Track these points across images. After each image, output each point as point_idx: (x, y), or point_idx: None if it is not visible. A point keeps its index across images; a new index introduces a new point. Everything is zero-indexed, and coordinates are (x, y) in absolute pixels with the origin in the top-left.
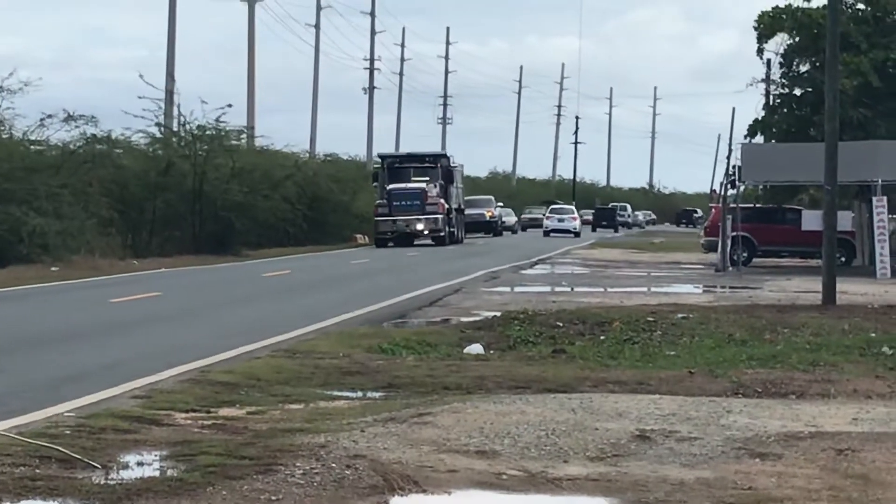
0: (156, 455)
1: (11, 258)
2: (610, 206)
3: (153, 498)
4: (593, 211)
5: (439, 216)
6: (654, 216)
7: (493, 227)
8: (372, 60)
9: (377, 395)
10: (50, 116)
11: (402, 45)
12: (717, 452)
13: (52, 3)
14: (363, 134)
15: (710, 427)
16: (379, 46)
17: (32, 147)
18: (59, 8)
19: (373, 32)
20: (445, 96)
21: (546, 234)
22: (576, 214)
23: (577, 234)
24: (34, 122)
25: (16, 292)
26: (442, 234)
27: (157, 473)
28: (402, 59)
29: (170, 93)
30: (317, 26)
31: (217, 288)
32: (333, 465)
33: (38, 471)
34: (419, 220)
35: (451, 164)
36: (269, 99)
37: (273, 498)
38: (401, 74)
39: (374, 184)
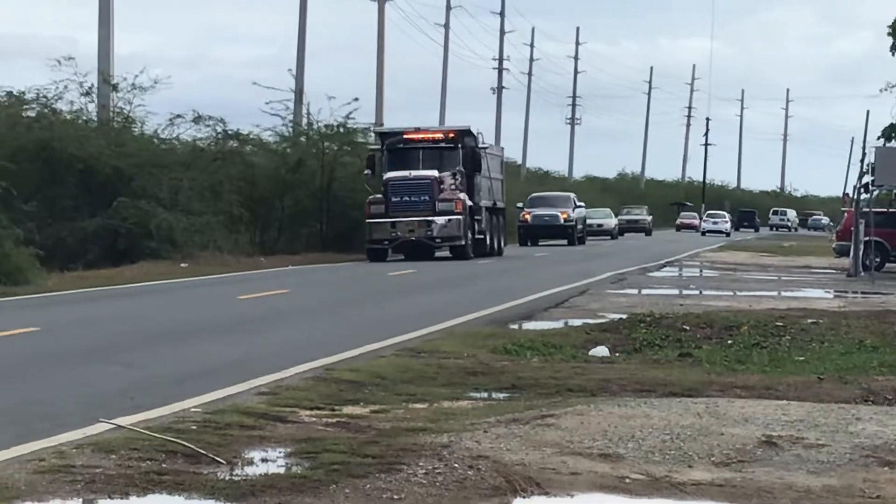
0: (280, 452)
1: (141, 254)
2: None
3: (277, 494)
4: (735, 213)
5: (457, 217)
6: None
7: (568, 233)
8: (501, 60)
9: (501, 395)
10: (179, 116)
11: (532, 45)
12: (845, 460)
13: (182, 1)
14: (491, 133)
15: (838, 434)
16: (508, 46)
17: (163, 145)
18: (189, 6)
19: (502, 32)
20: (574, 96)
21: (702, 234)
22: (727, 218)
23: (727, 235)
24: (164, 120)
25: (146, 287)
26: (461, 242)
27: (281, 470)
28: (531, 59)
29: (299, 91)
30: (446, 26)
31: (343, 286)
32: (456, 465)
33: (164, 465)
34: (428, 222)
35: (479, 145)
36: (396, 98)
37: (395, 497)
38: (529, 74)
39: (367, 172)
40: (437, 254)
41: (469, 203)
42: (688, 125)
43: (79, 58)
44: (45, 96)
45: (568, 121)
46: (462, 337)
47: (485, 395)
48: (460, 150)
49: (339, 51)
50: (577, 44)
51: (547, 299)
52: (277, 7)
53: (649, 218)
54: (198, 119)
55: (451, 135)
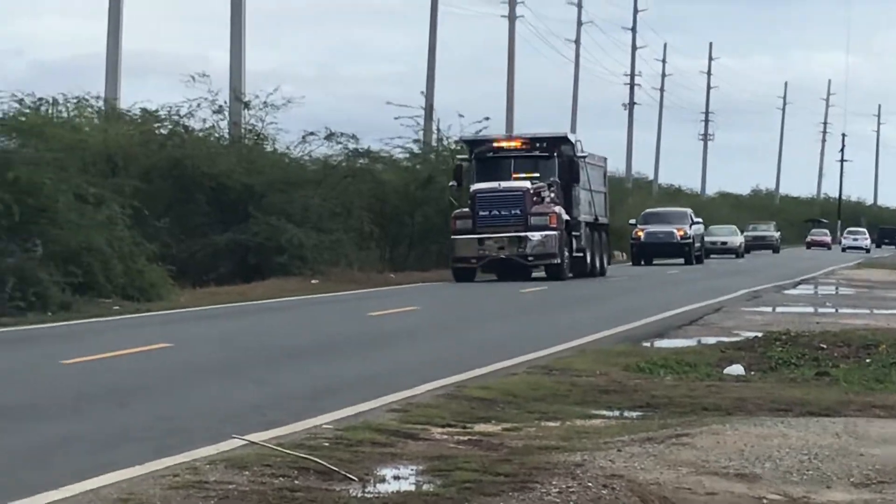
0: (412, 469)
1: (272, 269)
2: None
3: None
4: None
5: (552, 233)
6: None
7: (684, 252)
8: (632, 76)
9: (634, 414)
10: (312, 133)
11: (664, 61)
12: None
13: (313, 19)
14: (622, 150)
15: None
16: (640, 62)
17: (295, 162)
18: (320, 24)
19: (634, 48)
20: (707, 112)
21: (843, 250)
22: (867, 234)
23: (867, 251)
24: (297, 138)
25: (278, 303)
26: (556, 261)
27: (412, 488)
28: (664, 75)
29: (429, 108)
30: (577, 42)
31: (473, 303)
32: (590, 484)
33: (296, 482)
34: (520, 238)
35: (578, 153)
36: (526, 115)
37: None
38: (661, 90)
39: (452, 184)
40: (535, 274)
41: (566, 217)
42: (823, 141)
43: (211, 75)
44: (177, 114)
45: (700, 137)
46: (594, 354)
47: (618, 413)
48: (556, 158)
49: (468, 67)
50: (710, 59)
51: (680, 317)
52: (408, 24)
53: (777, 234)
54: (329, 136)
55: (546, 142)
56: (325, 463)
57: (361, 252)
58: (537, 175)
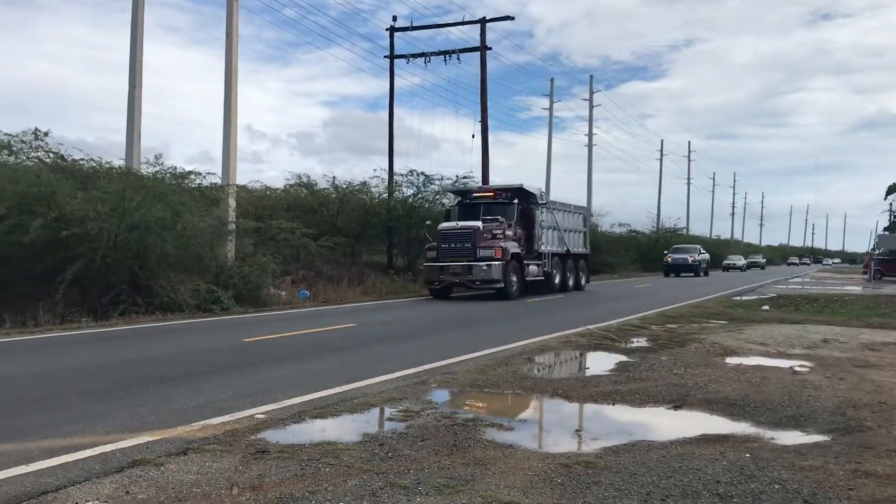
0: (643, 339)
1: None
2: None
3: (642, 352)
4: None
5: (496, 263)
6: None
7: (694, 268)
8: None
9: (724, 321)
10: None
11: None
12: (856, 347)
13: None
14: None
15: (853, 339)
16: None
17: None
18: None
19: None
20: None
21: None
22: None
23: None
24: None
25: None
26: (500, 285)
27: (643, 344)
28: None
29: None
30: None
31: (675, 284)
32: (707, 345)
33: (601, 342)
34: (469, 267)
35: (540, 201)
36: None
37: (682, 354)
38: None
39: (428, 222)
40: (459, 292)
41: (514, 251)
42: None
43: None
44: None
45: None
46: (716, 301)
47: (719, 321)
48: (515, 205)
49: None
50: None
51: (744, 290)
52: None
53: (763, 260)
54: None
55: (507, 192)
56: (612, 335)
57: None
58: (499, 218)
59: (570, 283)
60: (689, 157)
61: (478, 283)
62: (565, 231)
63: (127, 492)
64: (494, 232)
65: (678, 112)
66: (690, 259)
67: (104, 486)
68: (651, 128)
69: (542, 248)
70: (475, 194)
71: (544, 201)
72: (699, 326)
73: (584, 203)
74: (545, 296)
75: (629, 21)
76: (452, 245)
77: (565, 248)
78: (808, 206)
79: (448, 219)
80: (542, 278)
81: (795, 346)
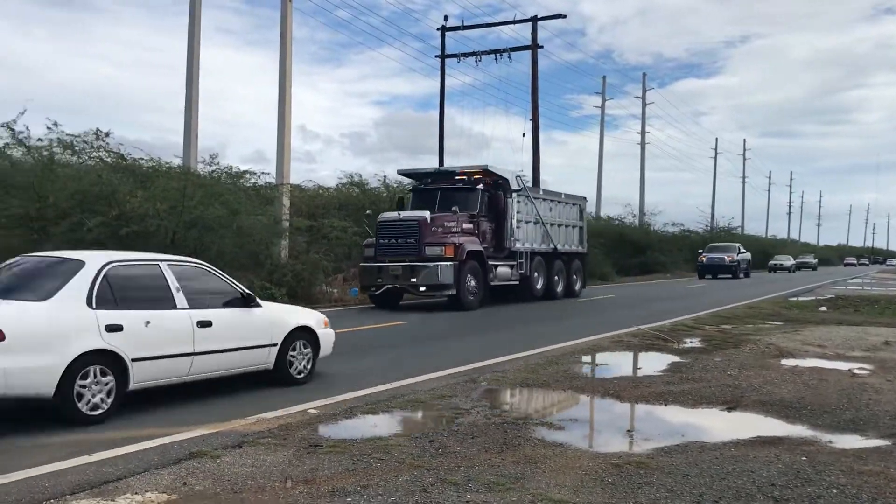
0: (696, 339)
1: None
2: None
3: (695, 353)
4: None
5: (445, 264)
6: None
7: (732, 270)
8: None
9: (779, 322)
10: None
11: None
12: None
13: None
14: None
15: None
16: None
17: None
18: None
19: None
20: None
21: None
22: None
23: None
24: None
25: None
26: (451, 292)
27: (697, 345)
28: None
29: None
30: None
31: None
32: (762, 346)
33: (653, 342)
34: (412, 268)
35: (513, 187)
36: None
37: (737, 353)
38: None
39: (368, 212)
40: (407, 301)
41: (472, 248)
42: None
43: None
44: None
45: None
46: (771, 301)
47: (774, 322)
48: (480, 192)
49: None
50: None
51: (800, 291)
52: None
53: (815, 261)
54: None
55: (470, 175)
56: (664, 335)
57: None
58: (454, 208)
59: (559, 288)
60: (744, 155)
61: (423, 288)
62: (552, 225)
63: (184, 483)
64: (447, 224)
65: (733, 109)
66: (728, 259)
67: (162, 478)
68: (705, 126)
69: (517, 245)
70: (430, 179)
71: (519, 187)
72: (754, 327)
73: (583, 193)
74: (526, 303)
75: (683, 17)
76: (392, 240)
77: (551, 246)
78: (869, 206)
79: (401, 209)
80: (517, 282)
81: (854, 349)
